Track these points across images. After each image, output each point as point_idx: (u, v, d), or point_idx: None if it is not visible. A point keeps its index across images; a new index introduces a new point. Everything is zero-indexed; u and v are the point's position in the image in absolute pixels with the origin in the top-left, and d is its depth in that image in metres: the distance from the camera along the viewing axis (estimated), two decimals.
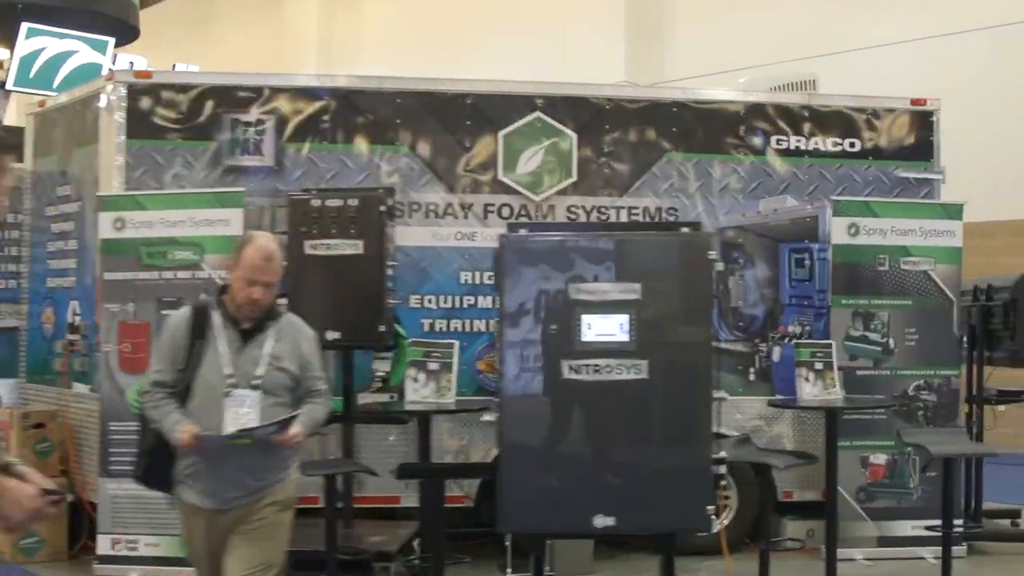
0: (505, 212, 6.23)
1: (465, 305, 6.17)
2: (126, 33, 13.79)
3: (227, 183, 6.01)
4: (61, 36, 10.73)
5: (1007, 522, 6.89)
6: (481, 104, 6.24)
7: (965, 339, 6.69)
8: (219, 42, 18.35)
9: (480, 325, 6.14)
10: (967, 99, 10.61)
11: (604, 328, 3.65)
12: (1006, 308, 6.37)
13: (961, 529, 5.77)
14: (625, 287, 3.65)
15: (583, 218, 6.29)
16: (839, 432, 6.05)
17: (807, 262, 6.43)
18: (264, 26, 18.16)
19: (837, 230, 6.18)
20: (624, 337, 3.65)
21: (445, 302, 6.13)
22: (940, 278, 6.25)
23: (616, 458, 3.73)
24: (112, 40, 11.24)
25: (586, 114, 6.30)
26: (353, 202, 5.37)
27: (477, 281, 6.15)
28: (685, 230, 3.92)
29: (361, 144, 6.15)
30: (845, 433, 6.11)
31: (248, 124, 6.09)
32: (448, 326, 6.11)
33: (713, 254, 3.67)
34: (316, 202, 5.39)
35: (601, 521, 3.70)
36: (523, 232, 3.83)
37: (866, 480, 6.18)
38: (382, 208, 5.36)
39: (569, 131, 6.27)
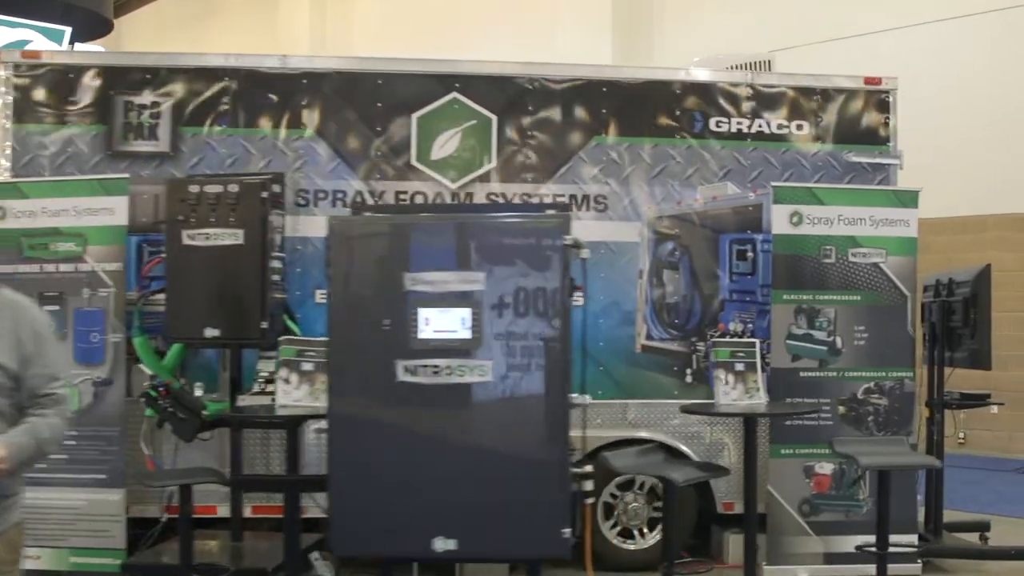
0: (419, 200, 5.78)
1: None
2: (97, 25, 13.49)
3: (119, 170, 5.62)
4: (13, 25, 10.41)
5: (975, 535, 6.33)
6: (393, 85, 5.80)
7: (926, 338, 6.20)
8: (213, 41, 18.14)
9: None
10: (964, 92, 10.15)
11: (444, 324, 3.21)
12: (966, 304, 5.83)
13: (908, 548, 5.25)
14: (467, 277, 3.22)
15: None
16: (780, 439, 5.63)
17: (750, 254, 5.93)
18: (258, 23, 17.94)
19: (778, 219, 5.67)
20: (466, 334, 3.21)
21: None
22: (893, 271, 5.73)
23: (457, 473, 3.27)
24: (68, 29, 10.91)
25: (507, 95, 5.84)
26: (233, 188, 4.95)
27: None
28: (552, 212, 3.44)
29: (264, 128, 5.73)
30: (787, 440, 5.64)
31: (142, 107, 5.70)
32: None
33: (569, 239, 3.19)
34: (194, 188, 4.98)
35: (441, 544, 3.26)
36: (357, 215, 3.37)
37: (810, 491, 5.67)
38: (264, 195, 4.93)
39: (488, 113, 5.82)
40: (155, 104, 5.69)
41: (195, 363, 5.60)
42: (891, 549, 4.86)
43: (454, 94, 5.81)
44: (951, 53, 10.27)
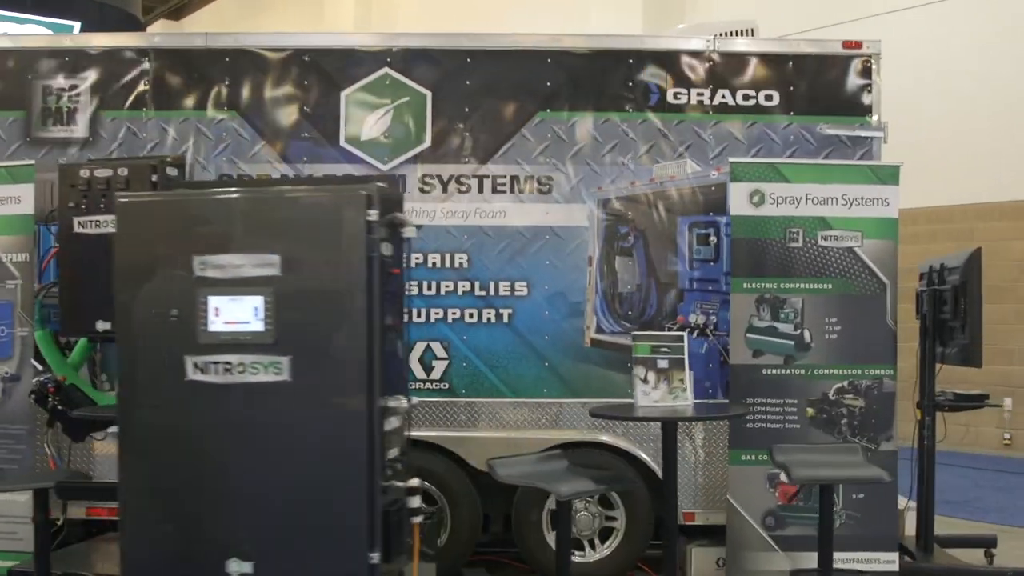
0: None
1: None
2: (128, 25, 13.45)
3: (38, 157, 5.38)
4: (22, 21, 10.39)
5: (982, 551, 5.65)
6: (321, 61, 5.41)
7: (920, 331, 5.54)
8: None
9: None
10: (1001, 70, 9.36)
11: (235, 314, 2.81)
12: (956, 293, 5.16)
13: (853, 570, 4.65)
14: (261, 260, 2.80)
15: (438, 190, 5.41)
16: (740, 444, 5.08)
17: (712, 239, 5.37)
18: (305, 15, 18.00)
19: (737, 199, 5.10)
20: (259, 326, 2.78)
21: None
22: (869, 256, 5.10)
23: (252, 486, 2.86)
24: (77, 24, 10.83)
25: (443, 68, 5.40)
26: (123, 172, 4.64)
27: None
28: (366, 185, 2.99)
29: (185, 110, 5.41)
30: (748, 445, 5.08)
31: (61, 91, 5.44)
32: None
33: (373, 214, 2.75)
34: (85, 173, 4.69)
35: (236, 567, 2.86)
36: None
37: (775, 502, 5.09)
38: (154, 178, 4.60)
39: (423, 88, 5.39)
40: (73, 87, 5.44)
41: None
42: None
43: (386, 69, 5.40)
44: (986, 28, 9.49)
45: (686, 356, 4.45)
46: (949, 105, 9.52)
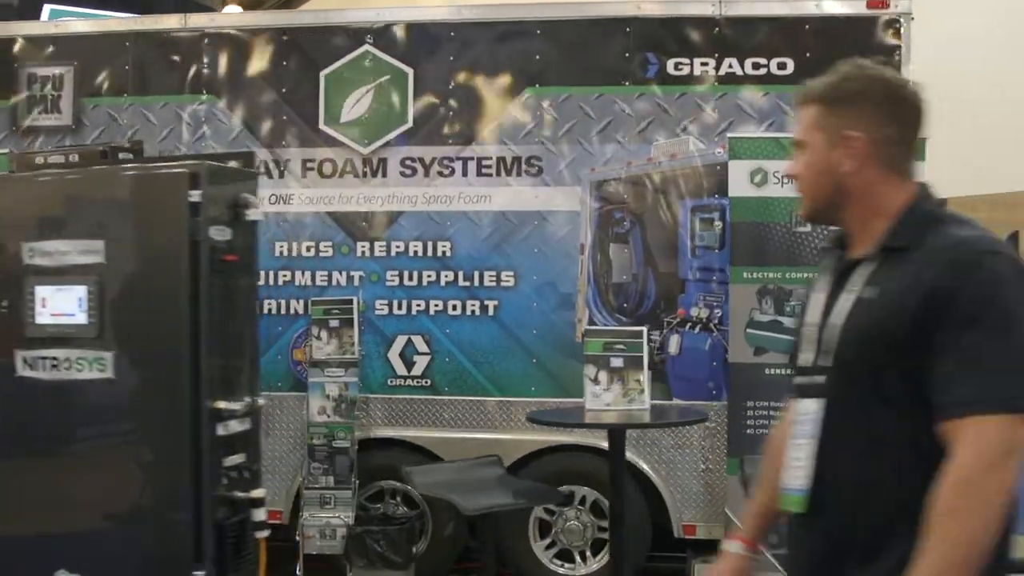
0: (327, 169, 5.15)
1: (280, 282, 5.16)
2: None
3: (25, 146, 5.32)
4: (87, 17, 10.56)
5: None
6: (300, 40, 5.17)
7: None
8: None
9: (297, 306, 5.13)
10: None
11: (61, 305, 2.56)
12: None
13: None
14: (85, 246, 2.53)
15: (420, 173, 5.08)
16: (740, 451, 4.57)
17: (717, 224, 4.86)
18: None
19: (736, 178, 4.59)
20: (83, 318, 2.52)
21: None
22: None
23: (80, 492, 2.60)
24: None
25: (425, 45, 5.07)
26: (74, 159, 4.47)
27: (294, 253, 5.13)
28: (191, 163, 2.69)
29: (164, 95, 5.26)
30: (748, 450, 4.56)
31: (46, 79, 5.37)
32: (260, 307, 5.12)
33: (196, 195, 2.45)
34: (40, 160, 4.54)
35: None
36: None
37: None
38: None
39: (404, 66, 5.07)
40: (58, 75, 5.35)
41: None
42: None
43: (366, 47, 5.11)
44: None
45: (645, 354, 3.97)
46: None
